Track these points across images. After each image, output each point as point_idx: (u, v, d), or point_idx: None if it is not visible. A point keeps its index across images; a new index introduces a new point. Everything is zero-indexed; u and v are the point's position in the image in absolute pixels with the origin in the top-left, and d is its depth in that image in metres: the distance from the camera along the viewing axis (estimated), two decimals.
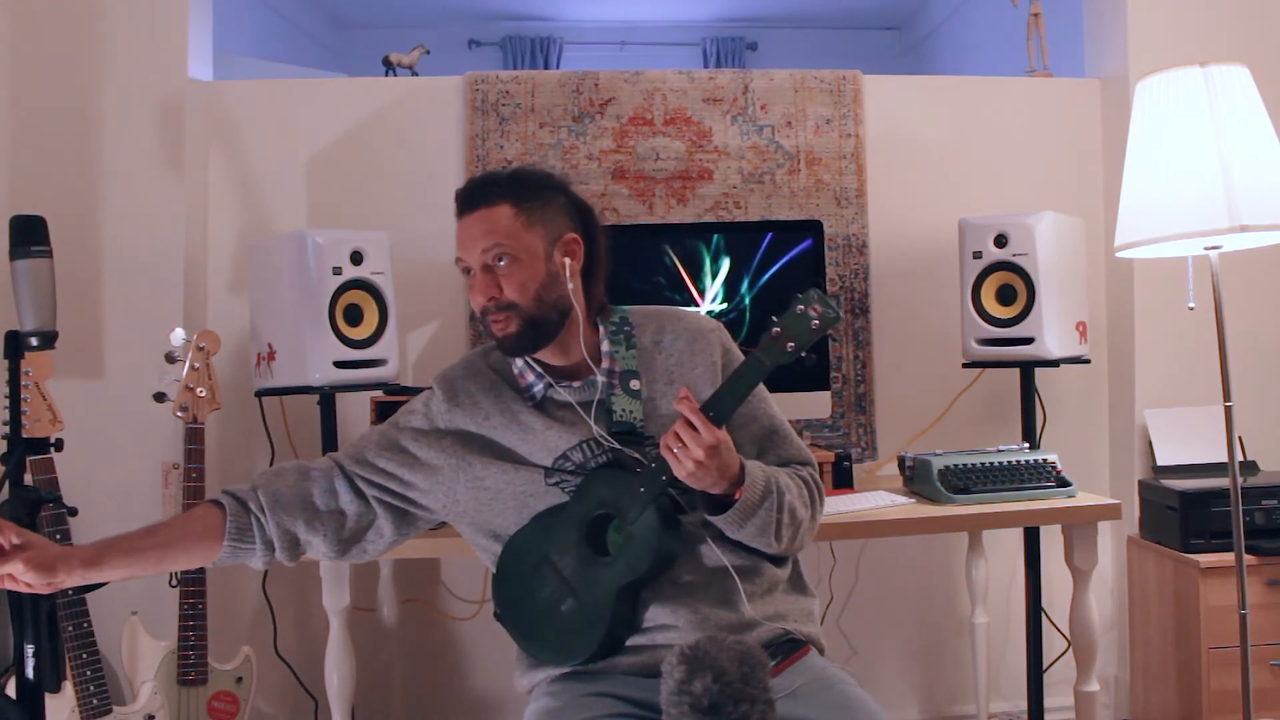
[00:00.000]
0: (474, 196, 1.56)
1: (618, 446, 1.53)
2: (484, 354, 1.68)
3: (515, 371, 1.62)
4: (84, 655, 2.08)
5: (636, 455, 1.52)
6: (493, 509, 1.59)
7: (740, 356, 1.63)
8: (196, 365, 2.23)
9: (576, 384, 1.59)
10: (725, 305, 2.50)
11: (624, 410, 1.56)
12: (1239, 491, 2.06)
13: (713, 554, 1.52)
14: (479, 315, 1.57)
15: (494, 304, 1.53)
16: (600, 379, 1.58)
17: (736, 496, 1.47)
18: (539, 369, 1.60)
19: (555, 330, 1.56)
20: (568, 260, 1.57)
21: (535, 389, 1.59)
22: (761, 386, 1.56)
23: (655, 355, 1.62)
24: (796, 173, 2.86)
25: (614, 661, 1.52)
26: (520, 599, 1.55)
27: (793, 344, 1.43)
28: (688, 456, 1.41)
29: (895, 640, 2.88)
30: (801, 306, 1.42)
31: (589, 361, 1.59)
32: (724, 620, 1.50)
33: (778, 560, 1.60)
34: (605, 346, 1.60)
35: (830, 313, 1.42)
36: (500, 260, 1.52)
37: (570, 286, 1.57)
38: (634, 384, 1.58)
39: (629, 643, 1.52)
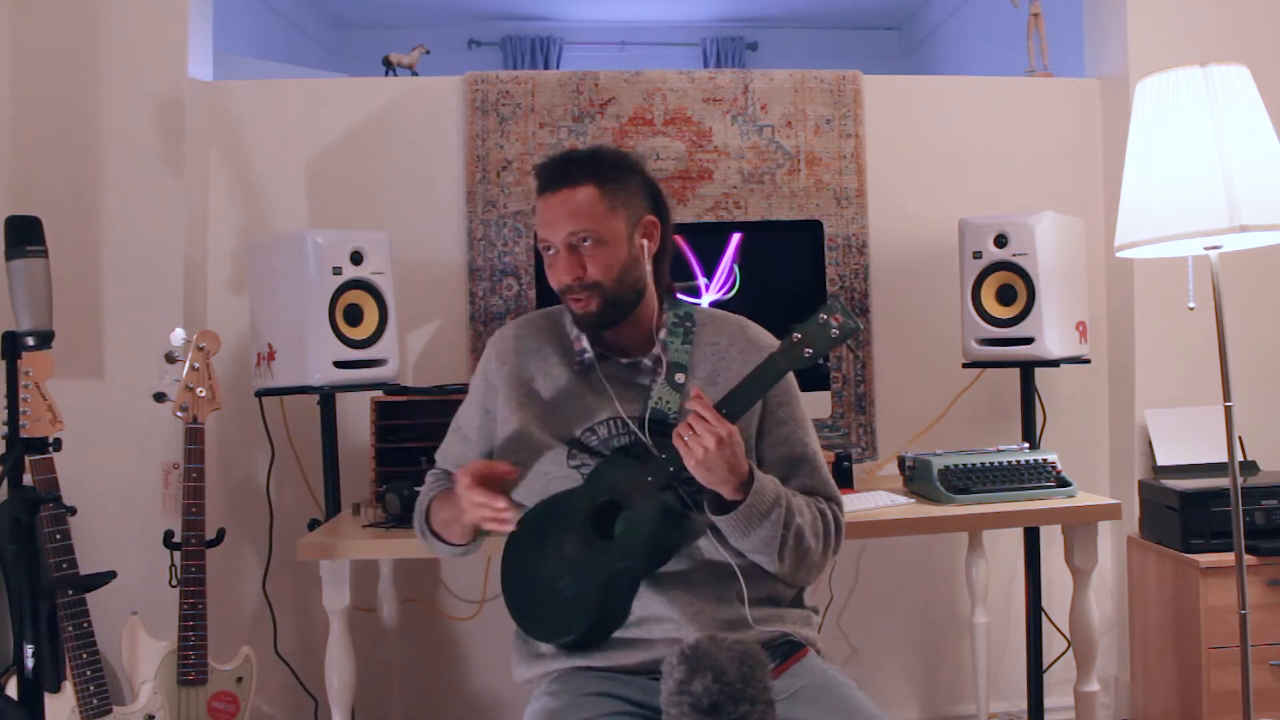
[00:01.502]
0: (558, 176, 1.58)
1: (636, 430, 1.56)
2: (546, 314, 1.73)
3: (572, 335, 1.65)
4: (84, 655, 2.08)
5: (649, 445, 1.54)
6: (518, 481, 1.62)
7: (793, 383, 1.67)
8: (196, 365, 2.23)
9: (625, 361, 1.63)
10: (724, 305, 2.50)
11: (661, 399, 1.58)
12: (1239, 491, 2.05)
13: (714, 550, 1.53)
14: (558, 292, 1.60)
15: (578, 283, 1.56)
16: (648, 362, 1.62)
17: (740, 503, 1.48)
18: (593, 337, 1.64)
19: (631, 310, 1.60)
20: (645, 242, 1.61)
21: (586, 356, 1.63)
22: (806, 415, 1.65)
23: (708, 354, 1.65)
24: (796, 173, 2.86)
25: (615, 658, 1.52)
26: (522, 574, 1.58)
27: (810, 350, 1.45)
28: (698, 443, 1.42)
29: (895, 640, 2.88)
30: (824, 316, 1.45)
31: (654, 339, 1.63)
32: (721, 615, 1.51)
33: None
34: (663, 334, 1.63)
35: (850, 323, 1.45)
36: (585, 241, 1.56)
37: (648, 268, 1.61)
38: (679, 377, 1.60)
39: (627, 636, 1.53)
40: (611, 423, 1.58)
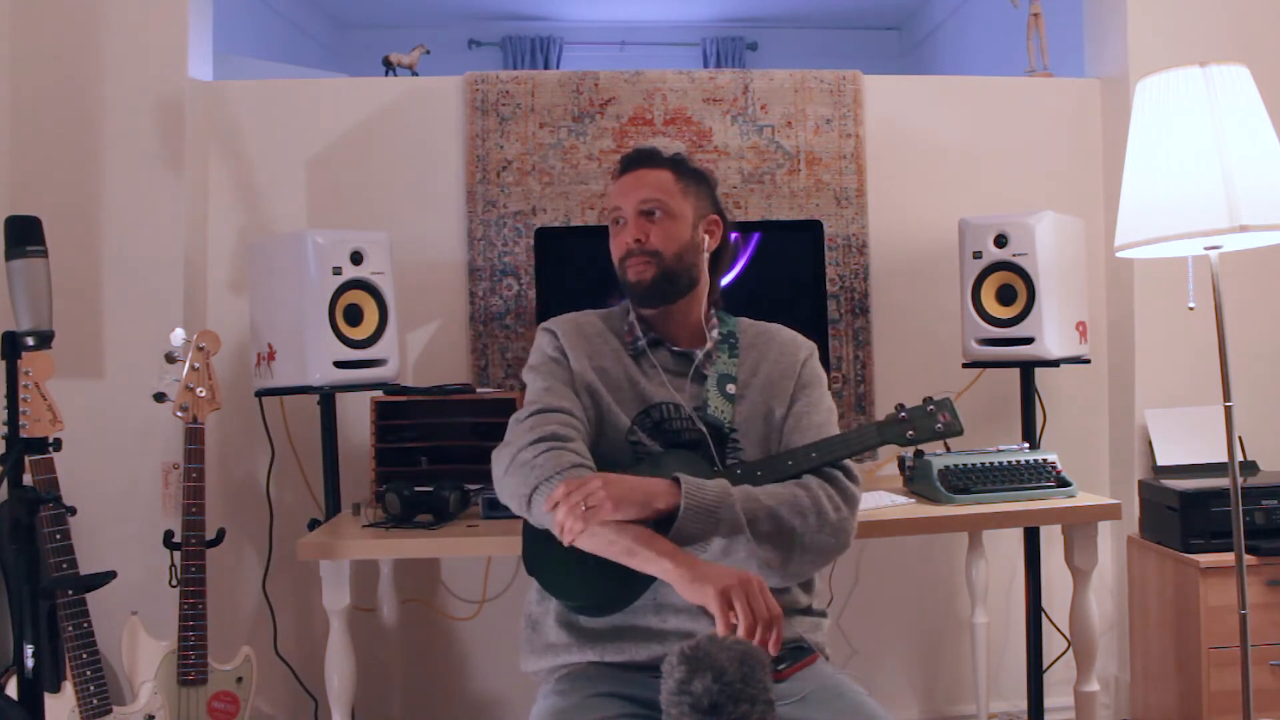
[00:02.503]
0: (639, 159, 1.73)
1: (693, 417, 1.62)
2: (593, 312, 1.78)
3: (625, 327, 1.73)
4: (84, 655, 2.08)
5: (701, 428, 1.60)
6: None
7: (821, 374, 1.74)
8: (196, 365, 2.23)
9: (678, 349, 1.70)
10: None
11: (717, 408, 1.64)
12: (1239, 491, 2.05)
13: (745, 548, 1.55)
14: (619, 260, 1.69)
15: (639, 246, 1.66)
16: (701, 354, 1.68)
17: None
18: (644, 327, 1.71)
19: (682, 293, 1.69)
20: (706, 237, 1.72)
21: (640, 342, 1.70)
22: (826, 400, 1.70)
23: (751, 356, 1.73)
24: (796, 173, 2.86)
25: (627, 651, 1.53)
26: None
27: (912, 432, 1.57)
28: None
29: (895, 640, 2.88)
30: (932, 407, 1.56)
31: (705, 332, 1.70)
32: None
33: (808, 587, 1.66)
34: (715, 333, 1.72)
35: (955, 424, 1.56)
36: (655, 213, 1.67)
37: (705, 258, 1.71)
38: (730, 388, 1.67)
39: (642, 624, 1.54)
40: (666, 407, 1.64)
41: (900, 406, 1.57)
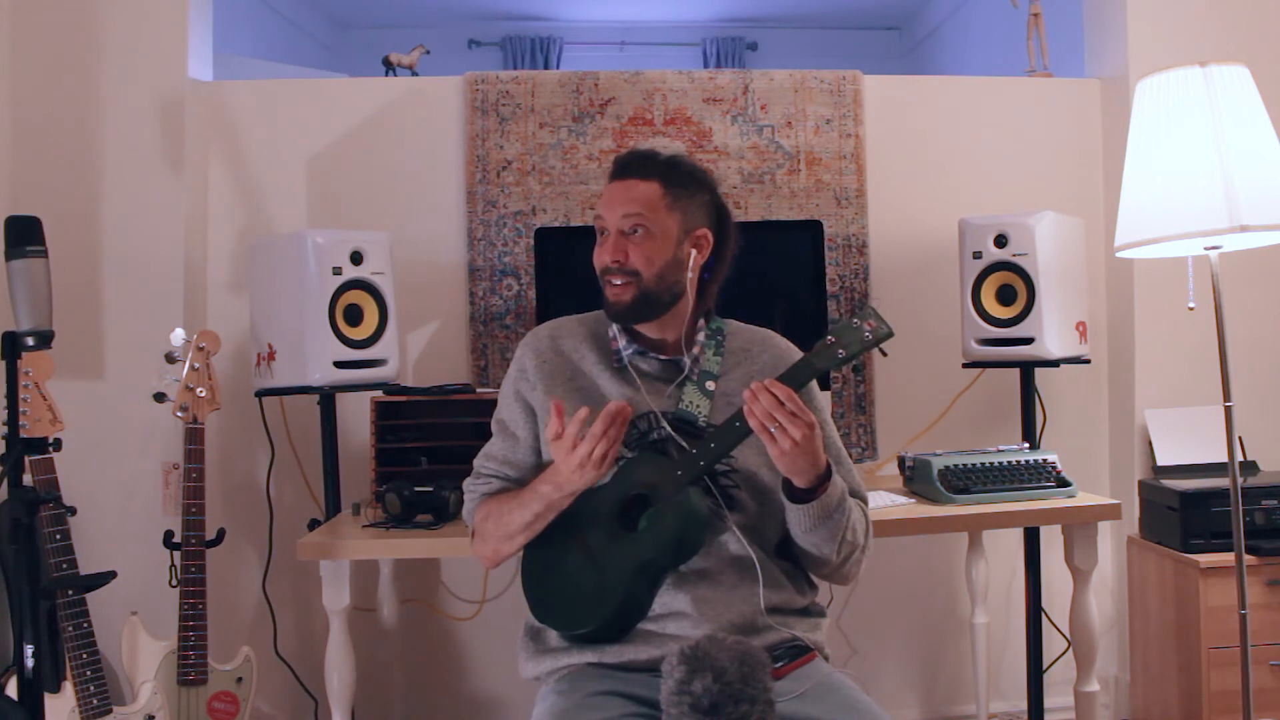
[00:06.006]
0: (630, 166, 1.67)
1: (665, 426, 1.59)
2: (579, 319, 1.75)
3: (610, 334, 1.70)
4: (84, 655, 2.08)
5: (680, 441, 1.57)
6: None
7: (816, 388, 1.71)
8: (196, 365, 2.23)
9: (663, 358, 1.67)
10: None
11: (691, 403, 1.62)
12: (1239, 491, 2.05)
13: (741, 546, 1.55)
14: (599, 273, 1.65)
15: (618, 266, 1.62)
16: (687, 361, 1.66)
17: (819, 494, 1.53)
18: (630, 336, 1.68)
19: (663, 311, 1.65)
20: (694, 252, 1.66)
21: (625, 353, 1.67)
22: (830, 419, 1.70)
23: (739, 363, 1.69)
24: (796, 173, 2.86)
25: (626, 653, 1.53)
26: (544, 565, 1.60)
27: (842, 351, 1.50)
28: (785, 436, 1.45)
29: (895, 640, 2.88)
30: (857, 320, 1.51)
31: (682, 347, 1.67)
32: (737, 614, 1.52)
33: (807, 587, 1.67)
34: (701, 338, 1.69)
35: (883, 328, 1.50)
36: (636, 230, 1.62)
37: (689, 276, 1.65)
38: (710, 384, 1.65)
39: (642, 628, 1.53)
40: (650, 417, 1.61)
41: (828, 330, 1.51)
